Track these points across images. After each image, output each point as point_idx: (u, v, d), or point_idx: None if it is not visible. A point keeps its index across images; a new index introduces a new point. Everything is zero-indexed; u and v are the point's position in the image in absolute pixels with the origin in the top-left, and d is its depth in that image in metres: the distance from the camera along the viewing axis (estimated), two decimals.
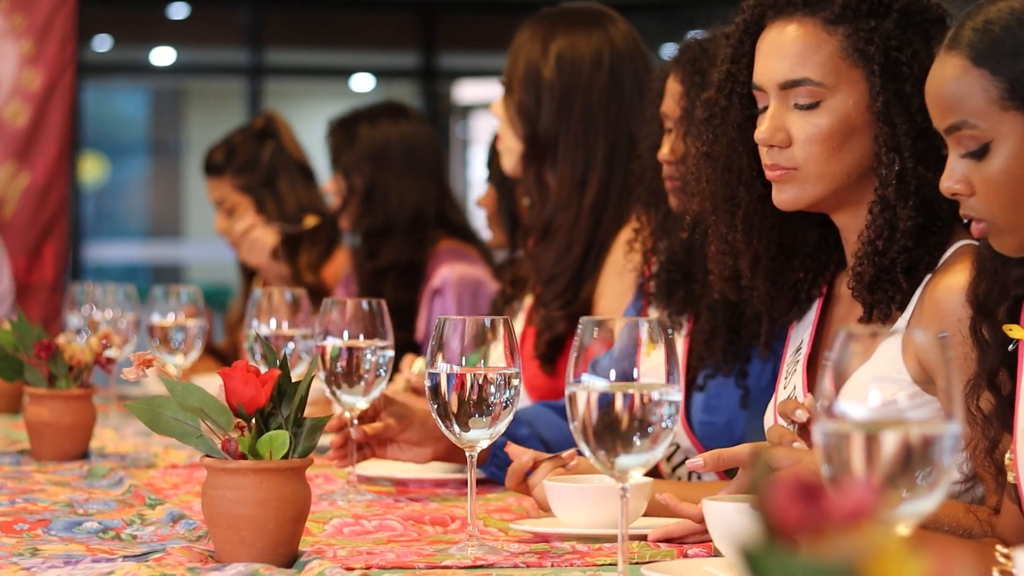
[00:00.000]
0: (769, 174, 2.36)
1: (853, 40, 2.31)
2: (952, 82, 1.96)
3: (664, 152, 2.88)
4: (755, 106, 2.40)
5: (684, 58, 2.86)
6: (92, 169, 14.21)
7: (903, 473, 1.42)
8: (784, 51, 2.34)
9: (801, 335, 2.47)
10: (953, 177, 1.97)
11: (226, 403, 2.06)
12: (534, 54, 3.33)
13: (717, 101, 2.48)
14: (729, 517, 2.03)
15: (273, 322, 3.08)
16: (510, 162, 3.40)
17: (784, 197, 2.35)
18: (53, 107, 5.69)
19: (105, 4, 11.71)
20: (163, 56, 13.43)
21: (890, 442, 1.42)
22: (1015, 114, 1.94)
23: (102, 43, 12.81)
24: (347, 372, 2.59)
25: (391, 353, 2.62)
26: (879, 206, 2.30)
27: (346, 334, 2.60)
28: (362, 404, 2.62)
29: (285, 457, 2.06)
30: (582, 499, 2.31)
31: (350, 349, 2.60)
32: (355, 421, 2.63)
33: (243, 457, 2.06)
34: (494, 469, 2.74)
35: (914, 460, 1.42)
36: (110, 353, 3.09)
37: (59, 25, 5.69)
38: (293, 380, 2.10)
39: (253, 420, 2.07)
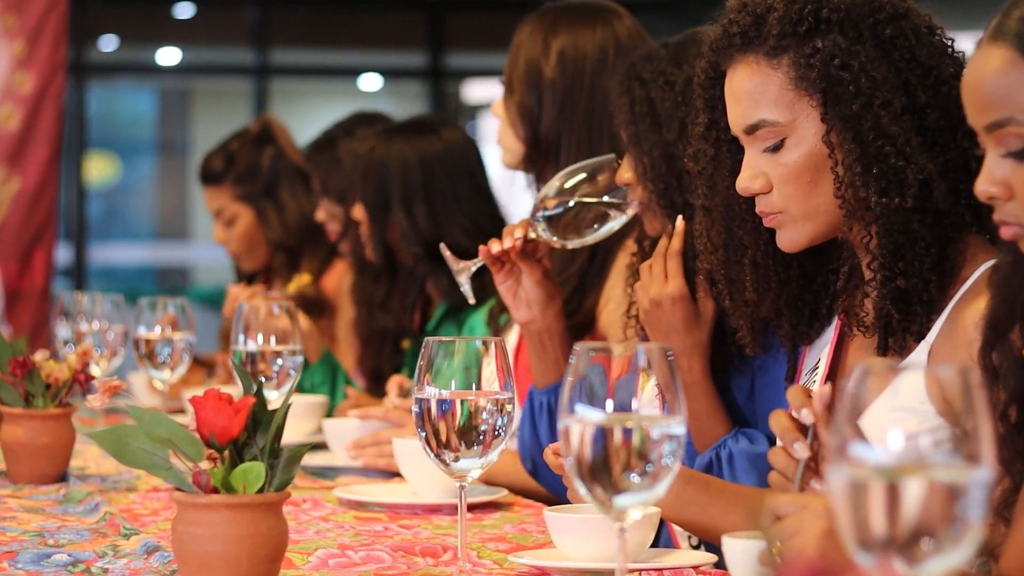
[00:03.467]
0: (764, 221, 2.25)
1: (796, 69, 2.18)
2: (997, 76, 1.74)
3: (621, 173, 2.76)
4: (743, 151, 2.27)
5: (615, 82, 2.77)
6: (102, 168, 14.11)
7: (926, 524, 1.28)
8: (738, 96, 2.23)
9: (818, 353, 2.32)
10: (991, 179, 1.76)
11: (197, 433, 1.92)
12: (535, 52, 3.18)
13: (704, 152, 2.35)
14: (749, 556, 1.90)
15: (260, 337, 2.93)
16: (508, 160, 3.26)
17: (784, 241, 2.24)
18: (45, 110, 5.56)
19: (111, 4, 11.60)
20: (169, 56, 13.31)
21: (913, 490, 1.28)
22: None
23: (108, 43, 12.70)
24: None
25: None
26: (858, 236, 2.19)
27: None
28: None
29: (260, 491, 1.93)
30: (584, 530, 2.18)
31: None
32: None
33: (215, 491, 1.92)
34: None
35: (939, 510, 1.28)
36: (94, 370, 2.95)
37: (51, 27, 5.56)
38: (269, 407, 1.96)
39: (226, 451, 1.93)
